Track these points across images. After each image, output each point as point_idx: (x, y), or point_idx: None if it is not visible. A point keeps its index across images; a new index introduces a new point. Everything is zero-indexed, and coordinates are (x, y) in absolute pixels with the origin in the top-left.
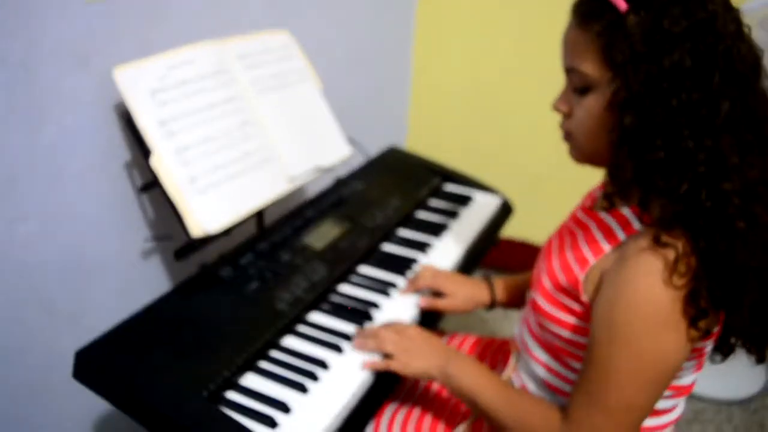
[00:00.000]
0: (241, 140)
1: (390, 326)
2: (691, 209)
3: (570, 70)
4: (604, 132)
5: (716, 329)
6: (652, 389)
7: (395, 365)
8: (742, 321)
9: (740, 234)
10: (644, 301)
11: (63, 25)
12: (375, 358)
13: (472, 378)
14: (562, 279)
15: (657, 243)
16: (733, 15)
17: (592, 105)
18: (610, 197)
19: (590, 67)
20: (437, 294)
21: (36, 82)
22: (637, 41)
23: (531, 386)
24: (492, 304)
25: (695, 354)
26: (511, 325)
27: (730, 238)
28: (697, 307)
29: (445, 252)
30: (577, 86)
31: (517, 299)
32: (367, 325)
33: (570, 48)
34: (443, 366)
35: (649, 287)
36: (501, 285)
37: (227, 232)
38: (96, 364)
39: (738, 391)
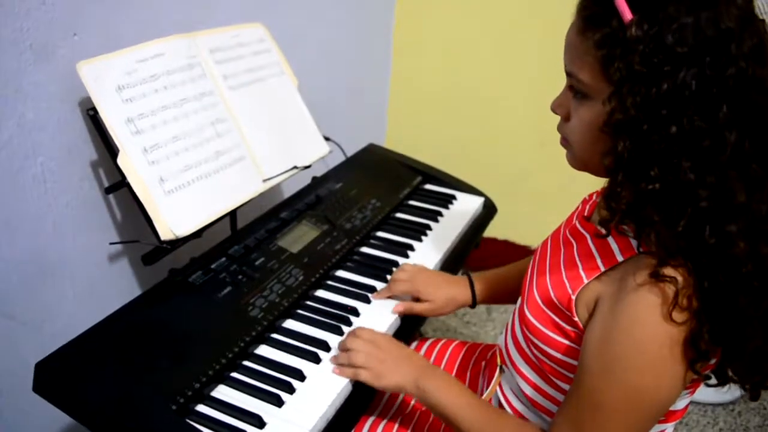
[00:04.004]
0: (213, 138)
1: (363, 333)
2: (694, 246)
3: (569, 75)
4: (598, 149)
5: (714, 360)
6: (643, 423)
7: (366, 376)
8: (742, 367)
9: (745, 278)
10: (644, 337)
11: (23, 15)
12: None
13: (448, 394)
14: (553, 296)
15: (656, 278)
16: (754, 29)
17: (587, 116)
18: (606, 225)
19: (588, 77)
20: (416, 299)
21: None
22: (635, 60)
23: (515, 402)
24: (473, 304)
25: (691, 383)
26: (495, 327)
27: (735, 281)
28: (698, 350)
29: (426, 254)
30: (576, 92)
31: (499, 295)
32: (347, 331)
33: (570, 51)
34: (418, 380)
35: (649, 323)
36: (481, 283)
37: (198, 235)
38: (57, 377)
39: (723, 394)
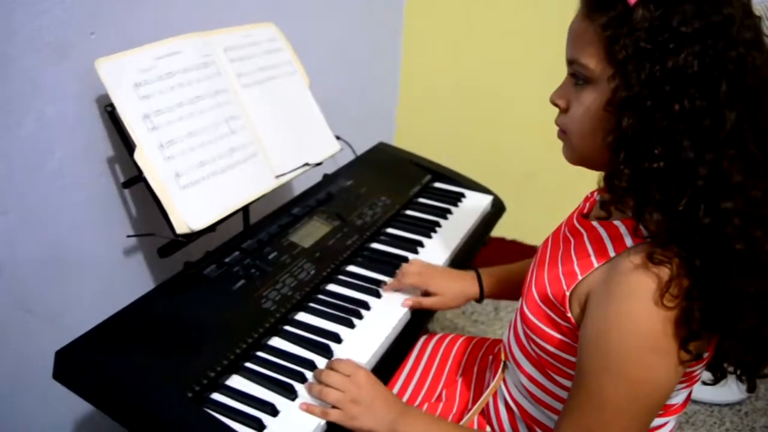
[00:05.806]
0: (227, 135)
1: (341, 366)
2: (688, 225)
3: (572, 62)
4: (600, 132)
5: (708, 354)
6: (646, 415)
7: (337, 416)
8: (736, 348)
9: (738, 256)
10: (636, 327)
11: (42, 14)
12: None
13: None
14: (549, 291)
15: (650, 261)
16: (753, 22)
17: (589, 101)
18: (606, 206)
19: (592, 61)
20: (425, 292)
21: (14, 73)
22: (641, 37)
23: (518, 397)
24: (481, 298)
25: (686, 377)
26: (503, 325)
27: (727, 259)
28: (689, 329)
29: (435, 251)
30: (578, 80)
31: (506, 291)
32: (357, 324)
33: (574, 38)
34: (393, 422)
35: (640, 311)
36: (489, 277)
37: (213, 229)
38: (77, 365)
39: (730, 394)
